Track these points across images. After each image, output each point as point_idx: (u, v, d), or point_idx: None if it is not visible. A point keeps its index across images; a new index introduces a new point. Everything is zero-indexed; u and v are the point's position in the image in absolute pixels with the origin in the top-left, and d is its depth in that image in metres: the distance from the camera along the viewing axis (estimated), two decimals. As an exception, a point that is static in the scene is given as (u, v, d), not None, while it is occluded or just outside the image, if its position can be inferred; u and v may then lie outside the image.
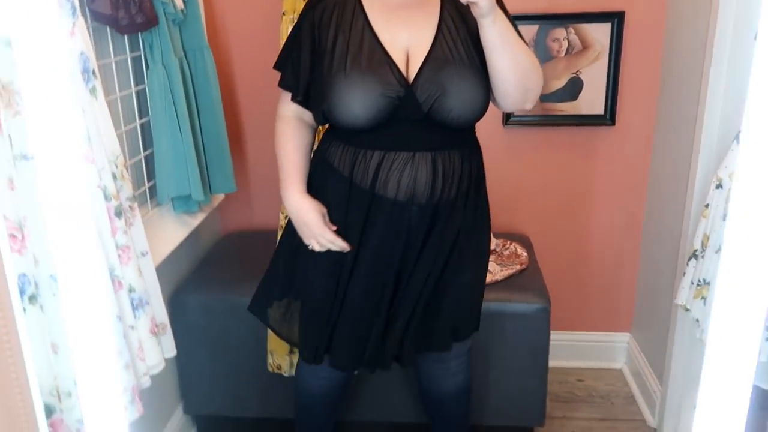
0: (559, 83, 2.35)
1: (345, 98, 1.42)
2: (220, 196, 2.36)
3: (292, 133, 1.59)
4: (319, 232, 1.52)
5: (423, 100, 1.42)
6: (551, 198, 2.50)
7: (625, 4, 2.25)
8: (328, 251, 1.54)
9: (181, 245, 2.07)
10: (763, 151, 0.76)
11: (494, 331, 2.04)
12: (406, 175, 1.47)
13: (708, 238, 1.73)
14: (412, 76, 1.43)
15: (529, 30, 2.30)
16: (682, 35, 2.12)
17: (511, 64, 1.42)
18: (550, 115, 2.39)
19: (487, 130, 2.43)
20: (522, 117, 2.40)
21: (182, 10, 1.97)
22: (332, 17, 1.48)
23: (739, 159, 0.77)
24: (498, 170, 2.47)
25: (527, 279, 2.14)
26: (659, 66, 2.31)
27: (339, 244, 1.52)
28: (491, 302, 2.00)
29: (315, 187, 1.58)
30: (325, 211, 1.54)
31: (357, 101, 1.41)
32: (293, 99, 1.55)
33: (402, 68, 1.43)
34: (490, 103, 1.51)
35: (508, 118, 2.40)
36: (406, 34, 1.45)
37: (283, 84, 1.57)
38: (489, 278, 2.10)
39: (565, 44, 2.31)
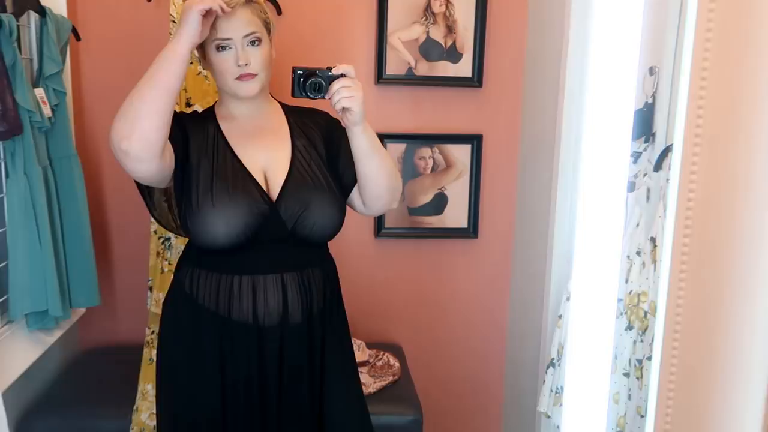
0: (426, 198, 2.50)
1: (213, 219, 1.43)
2: (81, 310, 2.23)
3: None
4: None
5: (287, 217, 1.47)
6: (421, 307, 2.58)
7: (483, 128, 2.47)
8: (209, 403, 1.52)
9: (33, 363, 1.91)
10: (592, 272, 0.86)
11: (368, 445, 2.02)
12: (279, 297, 1.49)
13: (563, 347, 1.86)
14: (275, 195, 1.48)
15: (397, 148, 2.45)
16: (534, 159, 2.35)
17: (381, 167, 1.51)
18: (418, 228, 2.51)
19: (359, 242, 2.51)
20: (392, 229, 2.50)
21: (50, 118, 1.93)
22: (196, 136, 1.51)
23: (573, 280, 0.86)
24: (370, 280, 2.54)
25: (400, 390, 2.16)
26: (515, 184, 2.53)
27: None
28: (364, 415, 2.00)
29: (180, 328, 1.54)
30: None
31: (224, 220, 1.42)
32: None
33: (263, 188, 1.49)
34: (361, 211, 1.61)
35: (379, 230, 2.49)
36: (263, 157, 1.51)
37: None
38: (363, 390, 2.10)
39: (430, 162, 2.48)
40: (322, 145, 1.58)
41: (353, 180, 1.56)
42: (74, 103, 2.23)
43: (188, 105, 2.14)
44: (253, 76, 1.46)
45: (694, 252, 0.75)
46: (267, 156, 1.51)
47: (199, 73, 2.15)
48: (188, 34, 1.35)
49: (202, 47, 1.47)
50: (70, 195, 2.02)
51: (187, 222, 1.46)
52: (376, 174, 1.51)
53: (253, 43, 1.45)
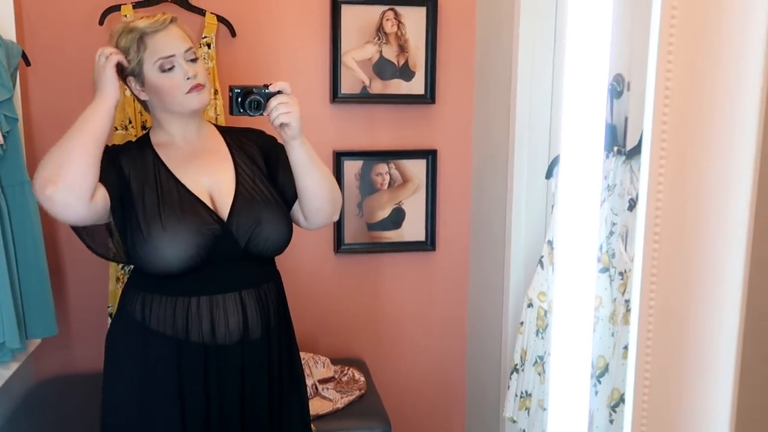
0: (384, 213, 2.54)
1: (164, 245, 1.43)
2: (37, 341, 2.16)
3: None
4: (103, 56, 1.45)
5: (239, 235, 1.49)
6: (382, 321, 2.61)
7: (438, 143, 2.54)
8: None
9: (-10, 399, 1.86)
10: (572, 281, 0.91)
11: (339, 461, 2.03)
12: (239, 315, 1.50)
13: (525, 352, 1.92)
14: (224, 215, 1.50)
15: (355, 165, 2.48)
16: (487, 171, 2.43)
17: (320, 180, 1.56)
18: (377, 243, 2.55)
19: (319, 258, 2.53)
20: (351, 244, 2.53)
21: (2, 145, 1.88)
22: (134, 167, 1.51)
23: (555, 288, 0.91)
24: (331, 296, 2.56)
25: (367, 404, 2.19)
26: (470, 196, 2.60)
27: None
28: (335, 431, 2.01)
29: (131, 358, 1.52)
30: None
31: (176, 245, 1.43)
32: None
33: (212, 209, 1.50)
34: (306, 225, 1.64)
35: (338, 247, 2.52)
36: (206, 179, 1.53)
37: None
38: (330, 407, 2.12)
39: (387, 178, 2.52)
40: (261, 161, 1.61)
41: (294, 195, 1.60)
42: (25, 128, 2.19)
43: (144, 128, 2.13)
44: (202, 86, 1.50)
45: (663, 256, 0.81)
46: (211, 178, 1.53)
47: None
48: (112, 90, 1.43)
49: (135, 77, 1.50)
50: (24, 222, 1.97)
51: (137, 251, 1.45)
52: (316, 186, 1.56)
53: (193, 60, 1.50)
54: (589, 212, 0.81)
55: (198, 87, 1.49)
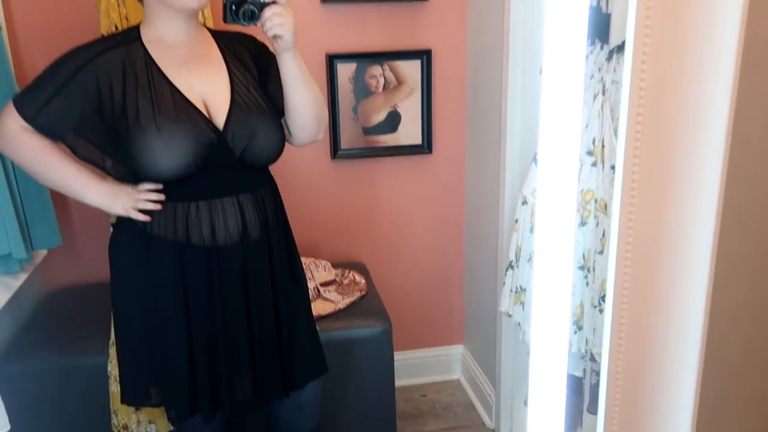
0: (379, 117, 2.52)
1: (160, 150, 1.43)
2: (43, 252, 2.22)
3: (47, 144, 1.50)
4: (134, 192, 1.50)
5: (234, 145, 1.49)
6: (381, 224, 2.65)
7: (432, 43, 2.48)
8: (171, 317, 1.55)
9: (1, 310, 1.92)
10: (555, 170, 0.93)
11: (342, 358, 2.12)
12: (237, 218, 1.52)
13: (520, 249, 1.96)
14: (218, 123, 1.49)
15: (348, 68, 2.44)
16: (482, 70, 2.39)
17: (309, 96, 1.55)
18: (374, 147, 2.55)
19: (317, 165, 2.54)
20: (348, 150, 2.53)
21: (-14, 59, 1.86)
22: (121, 69, 1.47)
23: (538, 178, 0.92)
24: (329, 202, 2.59)
25: (368, 304, 2.25)
26: (465, 96, 2.57)
27: (154, 197, 1.49)
28: (337, 330, 2.09)
29: (135, 260, 1.55)
30: None
31: (172, 151, 1.43)
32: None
33: (207, 117, 1.49)
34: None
35: (335, 152, 2.52)
36: (200, 84, 1.50)
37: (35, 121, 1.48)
38: (332, 307, 2.19)
39: (381, 80, 2.49)
40: (254, 67, 1.58)
41: (282, 109, 1.58)
42: (10, 39, 2.14)
43: (131, 35, 2.08)
44: None
45: (646, 138, 0.81)
46: (205, 84, 1.50)
47: None
48: (104, 207, 1.55)
49: None
50: (18, 136, 1.97)
51: (131, 157, 1.45)
52: (304, 102, 1.55)
53: None
54: (572, 102, 0.81)
55: None
